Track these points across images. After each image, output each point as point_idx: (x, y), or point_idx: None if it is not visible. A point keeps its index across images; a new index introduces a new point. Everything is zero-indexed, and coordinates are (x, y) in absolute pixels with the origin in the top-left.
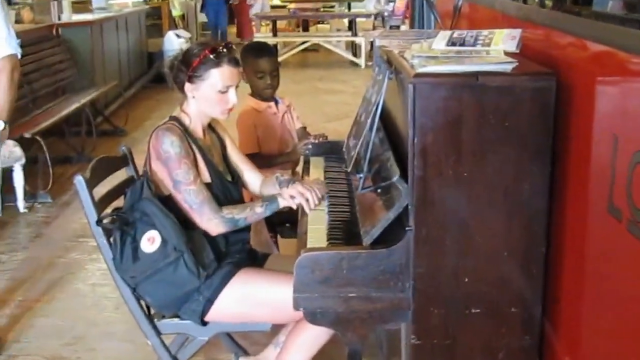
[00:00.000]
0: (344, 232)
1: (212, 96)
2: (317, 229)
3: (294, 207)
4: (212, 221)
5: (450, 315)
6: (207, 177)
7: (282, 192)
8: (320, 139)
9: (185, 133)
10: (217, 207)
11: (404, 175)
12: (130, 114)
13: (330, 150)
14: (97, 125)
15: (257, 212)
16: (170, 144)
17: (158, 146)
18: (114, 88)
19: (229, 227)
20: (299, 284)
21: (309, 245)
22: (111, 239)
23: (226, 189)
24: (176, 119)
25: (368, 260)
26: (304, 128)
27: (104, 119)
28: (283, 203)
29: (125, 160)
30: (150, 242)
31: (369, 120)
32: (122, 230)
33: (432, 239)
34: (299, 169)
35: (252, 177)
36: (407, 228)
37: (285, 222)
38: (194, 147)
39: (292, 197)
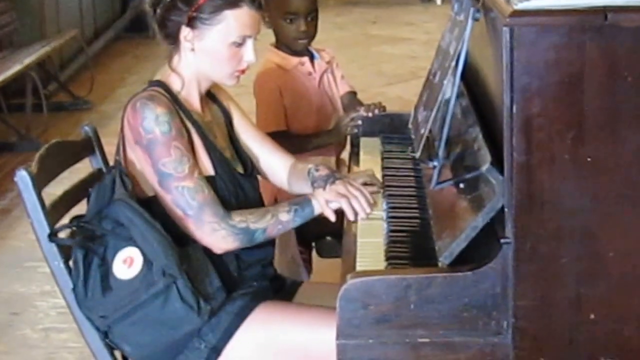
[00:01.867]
0: (411, 248)
1: (222, 50)
2: (370, 243)
3: (332, 217)
4: (217, 233)
5: None
6: (208, 168)
7: (316, 194)
8: (376, 111)
9: (176, 104)
10: (224, 211)
11: (498, 163)
12: (97, 79)
13: (391, 128)
14: (48, 95)
15: (282, 220)
16: (154, 121)
17: (136, 124)
18: (73, 41)
19: (242, 241)
20: (345, 325)
21: (358, 268)
22: (70, 262)
23: (236, 185)
24: (161, 85)
25: (446, 289)
26: (353, 94)
27: (59, 87)
28: (318, 209)
29: (88, 145)
30: (127, 264)
31: (446, 82)
32: (85, 247)
33: (541, 257)
34: (345, 154)
35: (275, 163)
36: (502, 240)
37: (325, 234)
38: (188, 124)
39: (328, 201)
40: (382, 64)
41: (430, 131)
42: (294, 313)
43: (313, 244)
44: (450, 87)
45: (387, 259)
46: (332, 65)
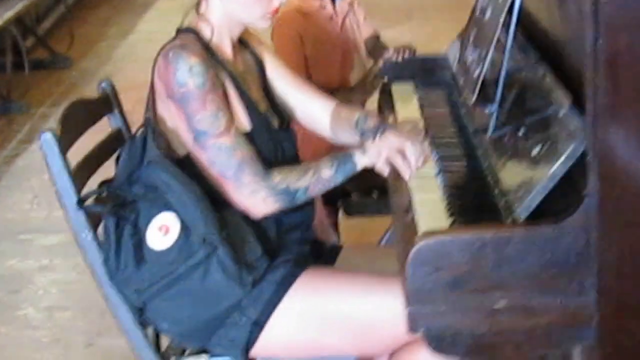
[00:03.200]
0: (473, 203)
1: None
2: (428, 200)
3: (385, 172)
4: (256, 195)
5: None
6: (245, 122)
7: (367, 147)
8: (406, 54)
9: (208, 53)
10: (264, 171)
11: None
12: (77, 33)
13: (423, 72)
14: (28, 52)
15: (323, 178)
16: (188, 72)
17: (169, 76)
18: None
19: (284, 202)
20: (416, 291)
21: (422, 228)
22: (99, 231)
23: (274, 141)
24: (192, 32)
25: (525, 246)
26: (377, 38)
27: (37, 42)
28: (365, 163)
29: (107, 103)
30: (162, 232)
31: (501, 20)
32: (117, 215)
33: (628, 209)
34: (371, 103)
35: (315, 111)
36: (584, 193)
37: (351, 190)
38: (222, 74)
39: (381, 154)
40: (371, 6)
41: (483, 72)
42: (341, 280)
43: (340, 202)
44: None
45: (450, 215)
46: (353, 7)
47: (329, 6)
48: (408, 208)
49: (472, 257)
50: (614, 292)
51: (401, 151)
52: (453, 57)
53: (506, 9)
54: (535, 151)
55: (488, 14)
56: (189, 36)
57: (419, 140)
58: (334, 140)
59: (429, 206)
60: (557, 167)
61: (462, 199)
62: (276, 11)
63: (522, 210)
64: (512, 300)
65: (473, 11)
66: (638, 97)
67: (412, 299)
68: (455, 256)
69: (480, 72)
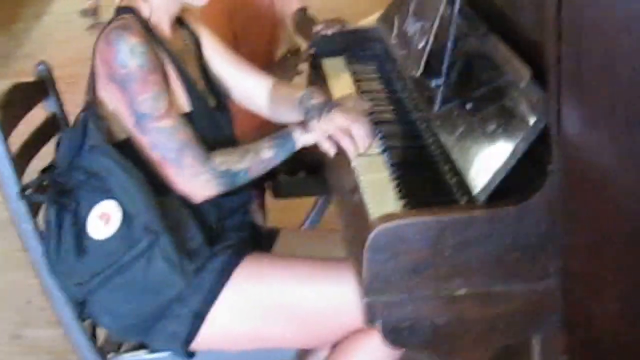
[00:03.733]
0: (422, 182)
1: None
2: (375, 180)
3: (332, 152)
4: (198, 178)
5: (632, 315)
6: (184, 103)
7: (312, 125)
8: (336, 28)
9: (148, 32)
10: (204, 153)
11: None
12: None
13: (354, 45)
14: None
15: (264, 158)
16: (129, 53)
17: (110, 57)
18: None
19: (225, 185)
20: (373, 280)
21: (372, 210)
22: (38, 220)
23: (212, 121)
24: (132, 11)
25: (487, 229)
26: (303, 10)
27: None
28: (305, 141)
29: (43, 88)
30: (103, 220)
31: None
32: (58, 203)
33: (595, 186)
34: (300, 79)
35: (253, 88)
36: (548, 169)
37: (277, 171)
38: (162, 54)
39: (327, 133)
40: None
41: (429, 43)
42: (283, 267)
43: (266, 183)
44: None
45: (402, 197)
46: None
47: None
48: (354, 188)
49: (432, 242)
50: (580, 275)
51: (348, 131)
52: (386, 28)
53: None
54: (491, 127)
55: None
56: (129, 15)
57: (365, 119)
58: (272, 119)
59: (377, 187)
60: (518, 143)
61: (410, 178)
62: None
63: (482, 191)
64: (473, 287)
65: None
66: (604, 65)
67: (370, 288)
68: (413, 241)
69: (426, 44)
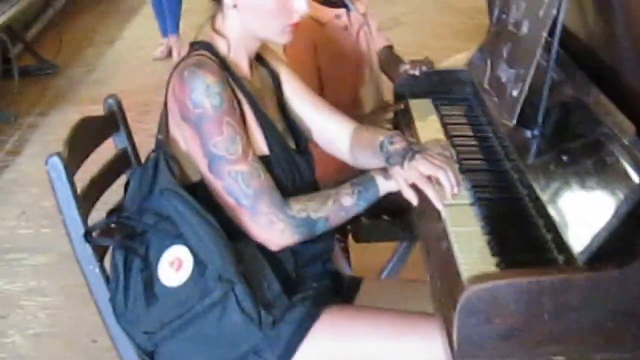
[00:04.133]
0: (517, 238)
1: (266, 2)
2: (465, 233)
3: (415, 200)
4: (274, 226)
5: None
6: (262, 146)
7: (394, 172)
8: (424, 68)
9: (225, 70)
10: (282, 200)
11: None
12: (64, 39)
13: (441, 87)
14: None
15: (345, 206)
16: (204, 92)
17: (184, 96)
18: None
19: (303, 234)
20: (465, 343)
21: (462, 266)
22: (105, 265)
23: (292, 164)
24: (207, 46)
25: (588, 293)
26: (390, 48)
27: (24, 49)
28: (389, 188)
29: (113, 122)
30: (174, 266)
31: (544, 34)
32: (126, 247)
33: None
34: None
35: (335, 131)
36: None
37: (359, 215)
38: (239, 93)
39: (410, 181)
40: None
41: (523, 92)
42: (366, 320)
43: (349, 227)
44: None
45: (494, 254)
46: (367, 18)
47: (344, 16)
48: (441, 236)
49: (529, 305)
50: None
51: (434, 178)
52: (476, 72)
53: (548, 25)
54: (590, 182)
55: (524, 29)
56: (206, 52)
57: (453, 167)
58: (354, 164)
59: (468, 241)
60: (621, 203)
61: (503, 233)
62: (296, 25)
63: (582, 252)
64: (571, 355)
65: (495, 23)
66: None
67: (461, 352)
68: (509, 304)
69: (520, 92)
